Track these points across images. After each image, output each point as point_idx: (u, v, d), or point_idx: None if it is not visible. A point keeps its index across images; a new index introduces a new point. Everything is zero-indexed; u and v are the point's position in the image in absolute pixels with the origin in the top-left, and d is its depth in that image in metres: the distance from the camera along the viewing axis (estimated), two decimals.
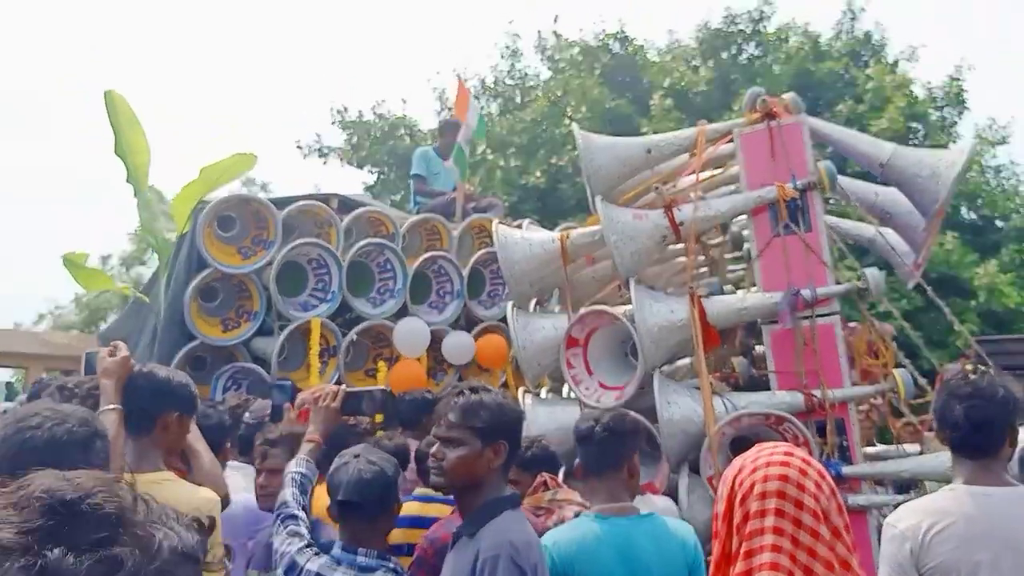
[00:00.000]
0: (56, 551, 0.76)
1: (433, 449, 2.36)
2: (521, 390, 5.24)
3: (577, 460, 2.89)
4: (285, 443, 3.29)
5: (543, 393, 5.49)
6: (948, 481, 4.19)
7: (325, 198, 6.52)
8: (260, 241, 6.00)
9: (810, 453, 4.25)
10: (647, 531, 2.66)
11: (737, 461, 1.57)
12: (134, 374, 2.80)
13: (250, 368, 5.93)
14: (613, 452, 2.79)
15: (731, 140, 4.80)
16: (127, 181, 5.88)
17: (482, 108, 18.57)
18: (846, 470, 4.34)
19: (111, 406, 2.67)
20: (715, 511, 1.57)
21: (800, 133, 4.62)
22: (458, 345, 6.39)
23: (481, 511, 2.28)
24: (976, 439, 2.35)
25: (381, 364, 6.36)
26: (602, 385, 4.81)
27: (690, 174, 4.85)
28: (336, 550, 2.56)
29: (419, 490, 3.73)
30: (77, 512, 0.79)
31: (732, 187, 5.04)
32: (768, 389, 4.56)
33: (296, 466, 2.89)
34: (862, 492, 4.37)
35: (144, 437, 2.74)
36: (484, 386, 2.43)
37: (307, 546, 2.61)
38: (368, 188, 19.23)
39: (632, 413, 3.16)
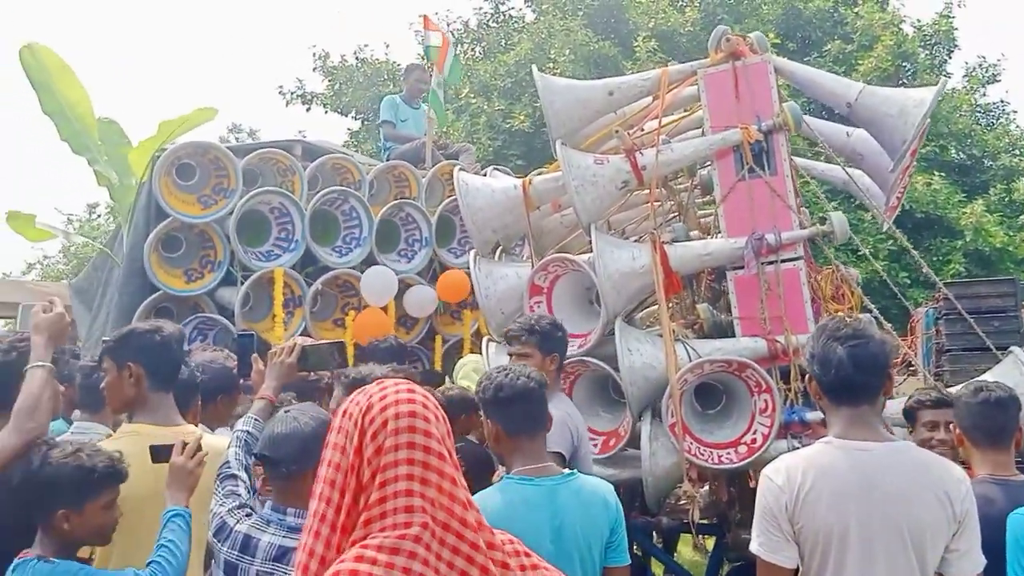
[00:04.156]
0: None
1: None
2: (485, 339, 5.18)
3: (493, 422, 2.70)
4: None
5: None
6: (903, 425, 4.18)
7: (288, 146, 6.36)
8: (221, 190, 5.87)
9: (772, 400, 4.25)
10: (572, 491, 2.58)
11: (360, 398, 1.64)
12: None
13: (215, 319, 5.86)
14: (541, 410, 2.68)
15: (696, 82, 4.66)
16: (62, 139, 5.71)
17: (465, 52, 18.31)
18: (810, 416, 4.31)
19: (39, 363, 2.59)
20: (333, 441, 1.65)
21: (765, 73, 4.49)
22: (419, 298, 6.30)
23: None
24: (858, 381, 2.26)
25: (350, 314, 6.29)
26: None
27: (653, 118, 4.72)
28: (266, 509, 2.50)
29: None
30: None
31: (698, 130, 4.91)
32: (733, 336, 4.51)
33: (243, 424, 2.79)
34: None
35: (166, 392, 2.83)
36: None
37: (239, 507, 2.54)
38: (353, 135, 19.00)
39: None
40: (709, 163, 4.90)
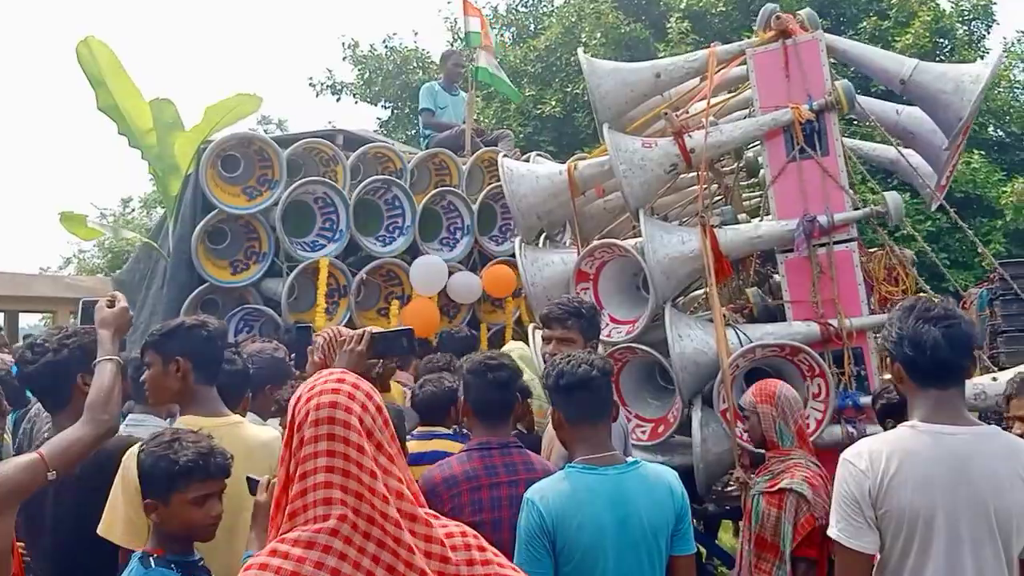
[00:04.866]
0: None
1: None
2: (532, 326, 5.17)
3: (553, 409, 2.64)
4: None
5: None
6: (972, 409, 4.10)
7: (330, 135, 6.39)
8: (265, 181, 5.90)
9: (826, 384, 4.19)
10: (637, 479, 2.53)
11: (300, 389, 1.67)
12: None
13: (262, 310, 5.90)
14: (607, 398, 2.64)
15: (744, 61, 4.60)
16: (120, 133, 5.78)
17: (495, 38, 18.25)
18: (863, 400, 4.25)
19: (108, 357, 2.60)
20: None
21: (816, 51, 4.41)
22: (465, 285, 6.31)
23: None
24: (954, 361, 2.21)
25: (394, 303, 6.30)
26: (613, 319, 4.70)
27: (701, 99, 4.66)
28: None
29: (419, 428, 3.68)
30: None
31: (746, 111, 4.85)
32: (784, 320, 4.46)
33: None
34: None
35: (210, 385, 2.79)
36: None
37: None
38: (383, 124, 19.02)
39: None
40: (755, 145, 4.85)
